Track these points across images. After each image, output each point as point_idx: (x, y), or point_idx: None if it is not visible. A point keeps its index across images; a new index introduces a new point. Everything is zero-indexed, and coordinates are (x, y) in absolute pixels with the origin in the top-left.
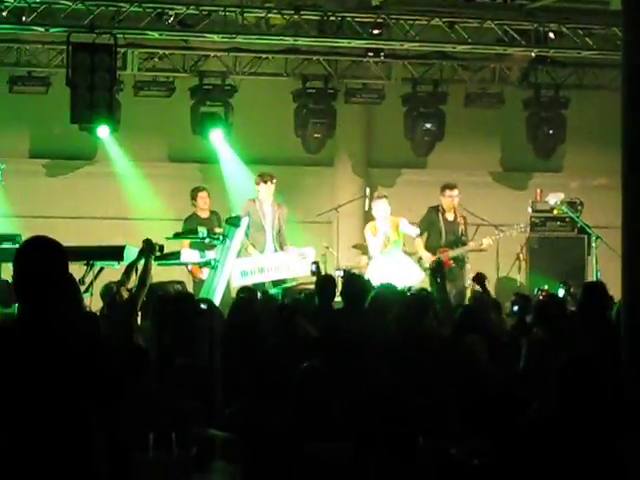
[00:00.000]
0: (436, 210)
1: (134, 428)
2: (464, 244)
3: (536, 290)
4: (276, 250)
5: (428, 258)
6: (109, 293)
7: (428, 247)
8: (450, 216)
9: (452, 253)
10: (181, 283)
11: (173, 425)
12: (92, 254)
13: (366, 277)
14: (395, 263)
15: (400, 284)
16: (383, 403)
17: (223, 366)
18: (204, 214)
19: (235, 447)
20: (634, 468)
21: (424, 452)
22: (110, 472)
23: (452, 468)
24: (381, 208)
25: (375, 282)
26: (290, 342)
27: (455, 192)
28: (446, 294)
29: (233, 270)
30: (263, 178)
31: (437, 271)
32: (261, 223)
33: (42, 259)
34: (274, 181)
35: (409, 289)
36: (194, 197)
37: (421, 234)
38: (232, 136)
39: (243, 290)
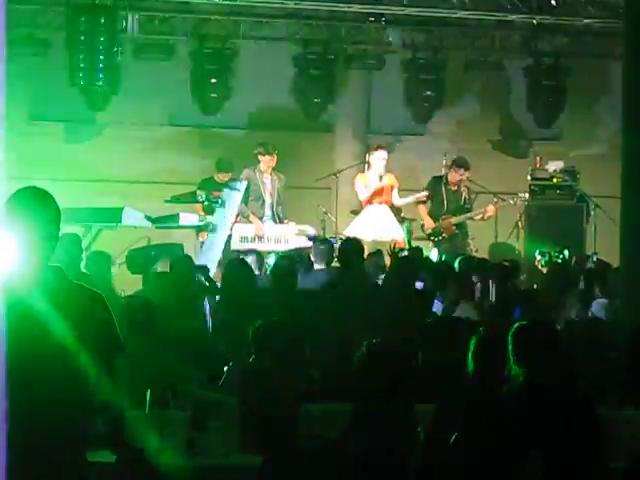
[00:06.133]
0: (440, 180)
1: (131, 386)
2: (467, 211)
3: (537, 252)
4: (275, 221)
5: (430, 225)
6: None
7: (431, 215)
8: (453, 187)
9: (455, 220)
10: (180, 245)
11: (170, 385)
12: (91, 216)
13: (350, 226)
14: (383, 216)
15: (381, 237)
16: (382, 361)
17: (222, 329)
18: (222, 180)
19: (232, 407)
20: None
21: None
22: (106, 427)
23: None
24: (381, 157)
25: (356, 231)
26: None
27: (467, 173)
28: None
29: (233, 234)
30: (267, 150)
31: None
32: (260, 193)
33: (37, 207)
34: (276, 154)
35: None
36: (223, 172)
37: (425, 202)
38: (231, 101)
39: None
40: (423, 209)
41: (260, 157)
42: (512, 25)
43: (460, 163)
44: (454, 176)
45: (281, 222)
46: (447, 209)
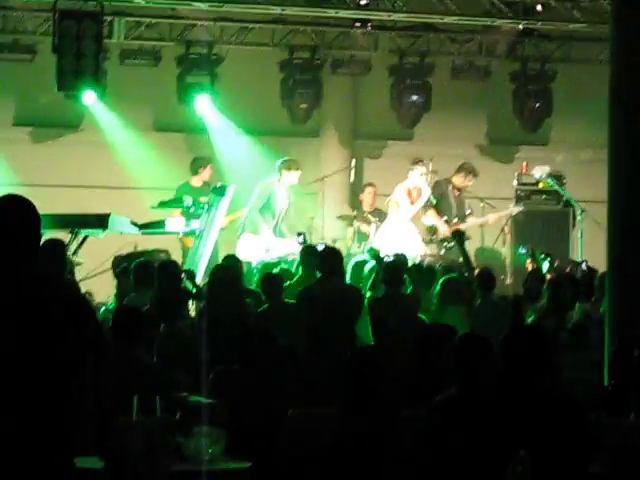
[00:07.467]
0: (446, 183)
1: (118, 391)
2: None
3: (520, 247)
4: (280, 234)
5: (446, 229)
6: None
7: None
8: (456, 191)
9: (462, 227)
10: (165, 251)
11: (157, 390)
12: (77, 222)
13: (380, 235)
14: (410, 231)
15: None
16: (365, 368)
17: (206, 332)
18: (198, 183)
19: (219, 412)
20: None
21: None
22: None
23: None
24: (422, 172)
25: (388, 243)
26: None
27: (474, 180)
28: (469, 259)
29: (241, 245)
30: (293, 166)
31: (460, 239)
32: (274, 207)
33: (16, 215)
34: (299, 171)
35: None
36: (203, 166)
37: (434, 205)
38: (217, 106)
39: (227, 258)
40: (434, 213)
41: (285, 172)
42: (498, 30)
43: (471, 170)
44: (462, 182)
45: (283, 237)
46: (455, 214)
